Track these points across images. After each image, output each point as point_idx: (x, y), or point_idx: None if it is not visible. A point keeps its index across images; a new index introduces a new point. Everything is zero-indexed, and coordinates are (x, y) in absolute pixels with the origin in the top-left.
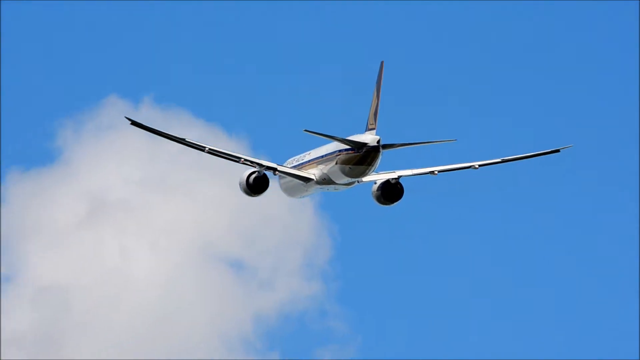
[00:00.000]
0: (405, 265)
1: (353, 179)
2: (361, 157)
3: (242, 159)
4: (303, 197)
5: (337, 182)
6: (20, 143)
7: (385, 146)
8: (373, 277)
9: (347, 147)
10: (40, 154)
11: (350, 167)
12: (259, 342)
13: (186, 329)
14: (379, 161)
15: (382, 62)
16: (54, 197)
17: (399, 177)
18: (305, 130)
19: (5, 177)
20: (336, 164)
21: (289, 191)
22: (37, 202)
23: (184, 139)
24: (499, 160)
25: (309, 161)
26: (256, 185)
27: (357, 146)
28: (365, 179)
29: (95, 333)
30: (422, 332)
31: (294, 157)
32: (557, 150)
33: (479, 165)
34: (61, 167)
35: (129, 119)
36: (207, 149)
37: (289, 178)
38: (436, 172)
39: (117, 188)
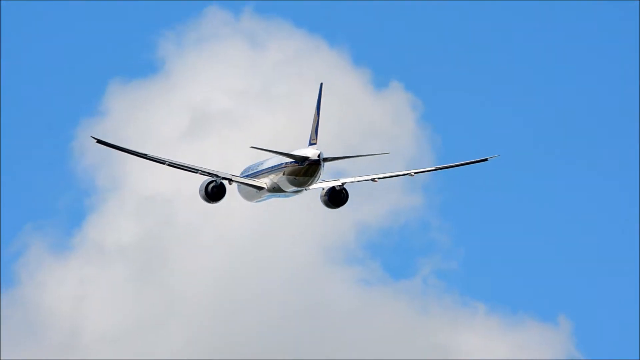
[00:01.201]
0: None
1: (299, 188)
2: (304, 170)
3: (200, 171)
4: (258, 201)
5: (285, 190)
6: (122, 54)
7: (325, 159)
8: (474, 191)
9: (292, 160)
10: (142, 66)
11: (295, 178)
12: (361, 252)
13: (289, 240)
14: (320, 172)
15: (321, 84)
16: (156, 108)
17: (343, 184)
18: (252, 147)
19: (108, 88)
20: (283, 174)
21: (245, 196)
22: (139, 114)
23: (145, 154)
24: (432, 168)
25: (261, 171)
26: (214, 194)
27: (300, 160)
28: (312, 186)
29: (198, 244)
30: (521, 246)
31: (249, 166)
32: (486, 159)
33: (415, 173)
34: (163, 79)
35: (95, 138)
36: (167, 162)
37: (245, 185)
38: (376, 179)
39: (219, 99)
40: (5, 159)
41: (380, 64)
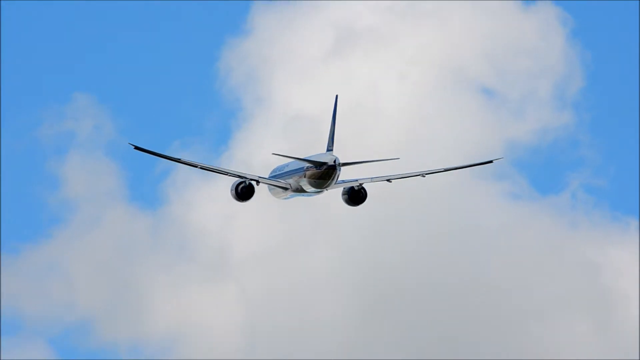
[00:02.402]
0: None
1: (319, 189)
2: (323, 174)
3: (230, 173)
4: (284, 198)
5: (307, 190)
6: None
7: (342, 164)
8: (625, 107)
9: (312, 165)
10: None
11: (315, 181)
12: (509, 168)
13: (436, 154)
14: (337, 176)
15: (336, 96)
16: (300, 27)
17: (361, 184)
18: (274, 154)
19: (252, 6)
20: (305, 177)
21: (273, 194)
22: (284, 32)
23: (179, 159)
24: (442, 169)
25: (286, 173)
26: (243, 194)
27: (319, 165)
28: (332, 187)
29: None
30: None
31: (276, 167)
32: (491, 162)
33: (426, 174)
34: None
35: (133, 145)
36: (199, 166)
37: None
38: (391, 180)
39: (365, 16)
40: (157, 75)
41: None
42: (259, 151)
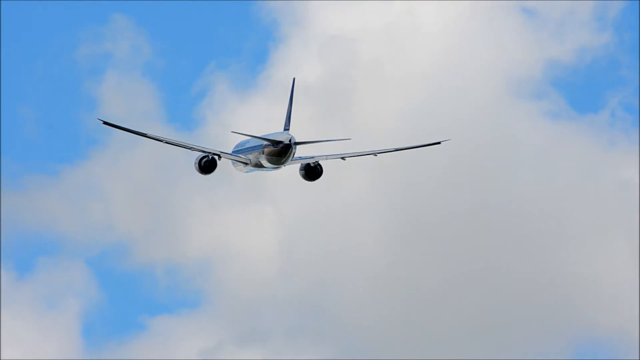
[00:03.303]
0: None
1: (277, 165)
2: (279, 151)
3: (194, 148)
4: (245, 172)
5: (265, 166)
6: None
7: (297, 143)
8: None
9: (269, 143)
10: None
11: (272, 157)
12: (548, 87)
13: (475, 75)
14: (293, 154)
15: (294, 79)
16: None
17: (317, 161)
18: (233, 132)
19: None
20: (263, 154)
21: (236, 167)
22: None
23: (145, 134)
24: (392, 149)
25: (247, 149)
26: (206, 167)
27: (275, 143)
28: (289, 164)
29: (384, 82)
30: None
31: (239, 143)
32: (439, 143)
33: (378, 153)
34: None
35: (102, 120)
36: (164, 140)
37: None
38: (345, 158)
39: None
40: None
41: None
42: (296, 72)
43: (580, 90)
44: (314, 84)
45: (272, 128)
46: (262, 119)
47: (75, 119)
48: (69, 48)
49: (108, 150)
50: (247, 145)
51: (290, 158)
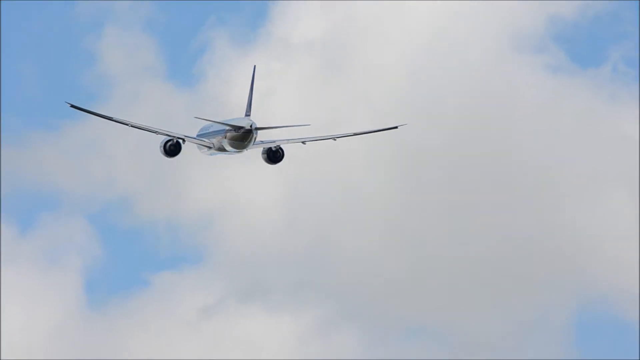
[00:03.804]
0: None
1: (239, 149)
2: (240, 136)
3: (159, 132)
4: (209, 155)
5: (228, 150)
6: None
7: (257, 128)
8: None
9: (231, 128)
10: None
11: (234, 142)
12: (550, 41)
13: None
14: (254, 138)
15: (254, 67)
16: None
17: (278, 145)
18: (196, 117)
19: None
20: (225, 138)
21: (200, 150)
22: None
23: (111, 117)
24: (351, 133)
25: (210, 133)
26: (171, 151)
27: (237, 128)
28: (252, 148)
29: (382, 37)
30: None
31: (202, 127)
32: (395, 127)
33: (337, 138)
34: None
35: (69, 104)
36: (130, 124)
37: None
38: (305, 142)
39: None
40: None
41: None
42: (296, 28)
43: (582, 45)
44: (313, 40)
45: (236, 114)
46: (261, 75)
47: (75, 74)
48: (68, 3)
49: (108, 105)
50: (211, 130)
51: (252, 143)
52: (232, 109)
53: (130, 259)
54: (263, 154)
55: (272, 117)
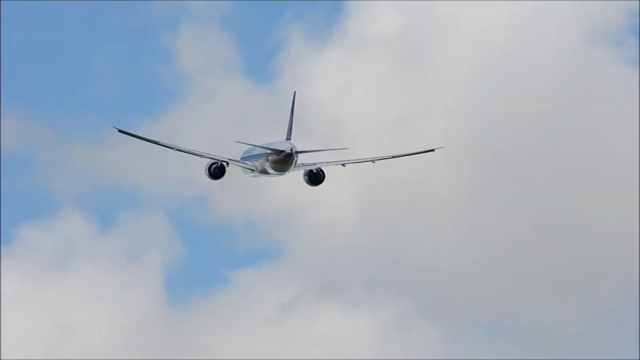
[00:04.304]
0: None
1: (281, 172)
2: (281, 160)
3: (204, 156)
4: (252, 177)
5: (270, 172)
6: None
7: (298, 152)
8: None
9: (272, 151)
10: None
11: (275, 165)
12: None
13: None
14: (295, 162)
15: (294, 92)
16: None
17: (319, 167)
18: (238, 142)
19: None
20: (267, 161)
21: (244, 172)
22: None
23: (157, 142)
24: (389, 156)
25: (253, 156)
26: (216, 173)
27: (278, 152)
28: (293, 170)
29: (459, 33)
30: None
31: (246, 150)
32: (432, 150)
33: (376, 160)
34: None
35: (117, 129)
36: (175, 148)
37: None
38: (345, 164)
39: None
40: None
41: None
42: (372, 24)
43: None
44: (389, 36)
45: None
46: (337, 71)
47: (152, 72)
48: (145, 3)
49: (186, 102)
50: (254, 153)
51: (293, 165)
52: (303, 110)
53: (209, 256)
54: (304, 175)
55: (347, 112)
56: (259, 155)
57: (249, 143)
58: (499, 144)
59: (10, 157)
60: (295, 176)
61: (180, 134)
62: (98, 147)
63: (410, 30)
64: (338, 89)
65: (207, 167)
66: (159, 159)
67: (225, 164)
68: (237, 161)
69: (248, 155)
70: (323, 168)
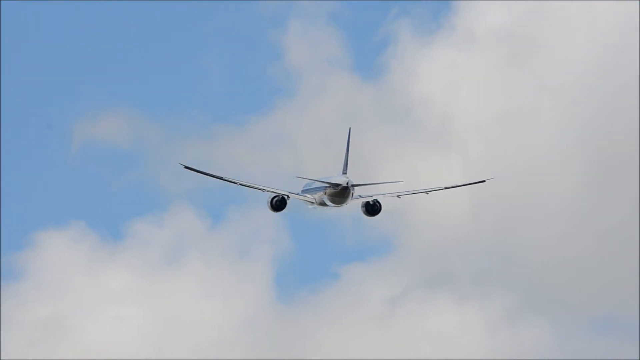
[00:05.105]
0: None
1: (338, 205)
2: (339, 192)
3: (265, 190)
4: (312, 208)
5: (328, 205)
6: None
7: (353, 185)
8: None
9: (330, 185)
10: None
11: (333, 198)
12: None
13: None
14: (351, 195)
15: (349, 129)
16: None
17: (375, 199)
18: (298, 177)
19: None
20: (325, 194)
21: (304, 204)
22: None
23: (221, 177)
24: (442, 187)
25: (312, 189)
26: (277, 206)
27: (335, 186)
28: (349, 203)
29: (569, 28)
30: None
31: (306, 183)
32: (483, 181)
33: (429, 192)
34: None
35: (183, 165)
36: (238, 183)
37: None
38: (400, 195)
39: None
40: None
41: None
42: (481, 20)
43: None
44: (498, 31)
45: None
46: (446, 66)
47: (261, 68)
48: (252, 2)
49: (294, 99)
50: (313, 187)
51: (349, 198)
52: (411, 105)
53: (319, 251)
54: (362, 207)
55: (455, 107)
56: (318, 189)
57: (309, 178)
58: (608, 141)
59: (121, 153)
60: (353, 207)
61: (287, 130)
62: (208, 142)
63: (520, 25)
64: (445, 86)
65: (269, 200)
66: (268, 154)
67: (286, 197)
68: (297, 194)
69: (308, 188)
70: (379, 199)
